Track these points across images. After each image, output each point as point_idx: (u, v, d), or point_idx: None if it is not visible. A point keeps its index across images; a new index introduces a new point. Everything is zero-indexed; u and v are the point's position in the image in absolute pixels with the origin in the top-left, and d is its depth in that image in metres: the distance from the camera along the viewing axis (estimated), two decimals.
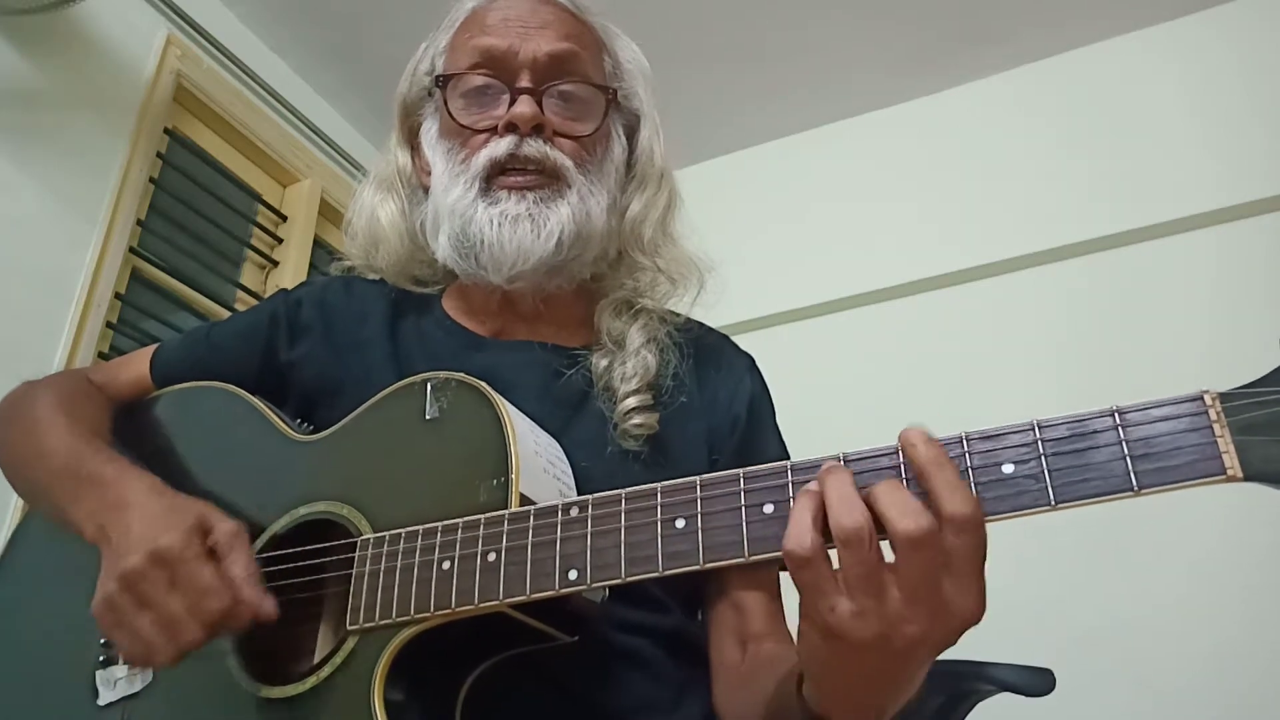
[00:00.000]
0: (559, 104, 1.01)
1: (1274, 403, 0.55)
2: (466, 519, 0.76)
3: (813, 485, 0.61)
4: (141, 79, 2.16)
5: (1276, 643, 1.84)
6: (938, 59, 2.62)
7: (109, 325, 2.00)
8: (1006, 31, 2.52)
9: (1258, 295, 2.10)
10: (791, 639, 0.78)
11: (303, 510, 0.87)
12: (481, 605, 0.73)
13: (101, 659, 0.89)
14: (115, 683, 0.87)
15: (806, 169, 2.79)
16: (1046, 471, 0.59)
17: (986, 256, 2.45)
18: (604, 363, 0.99)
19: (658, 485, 0.69)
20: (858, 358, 2.48)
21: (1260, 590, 1.88)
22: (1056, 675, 1.14)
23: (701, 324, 1.10)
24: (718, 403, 1.02)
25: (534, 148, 0.97)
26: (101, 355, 1.94)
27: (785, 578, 0.64)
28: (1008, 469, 0.60)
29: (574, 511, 0.72)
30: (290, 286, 1.16)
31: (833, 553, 0.59)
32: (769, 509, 0.65)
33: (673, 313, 1.07)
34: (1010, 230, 2.44)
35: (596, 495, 0.72)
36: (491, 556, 0.73)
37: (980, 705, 1.18)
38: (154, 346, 1.12)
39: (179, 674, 0.84)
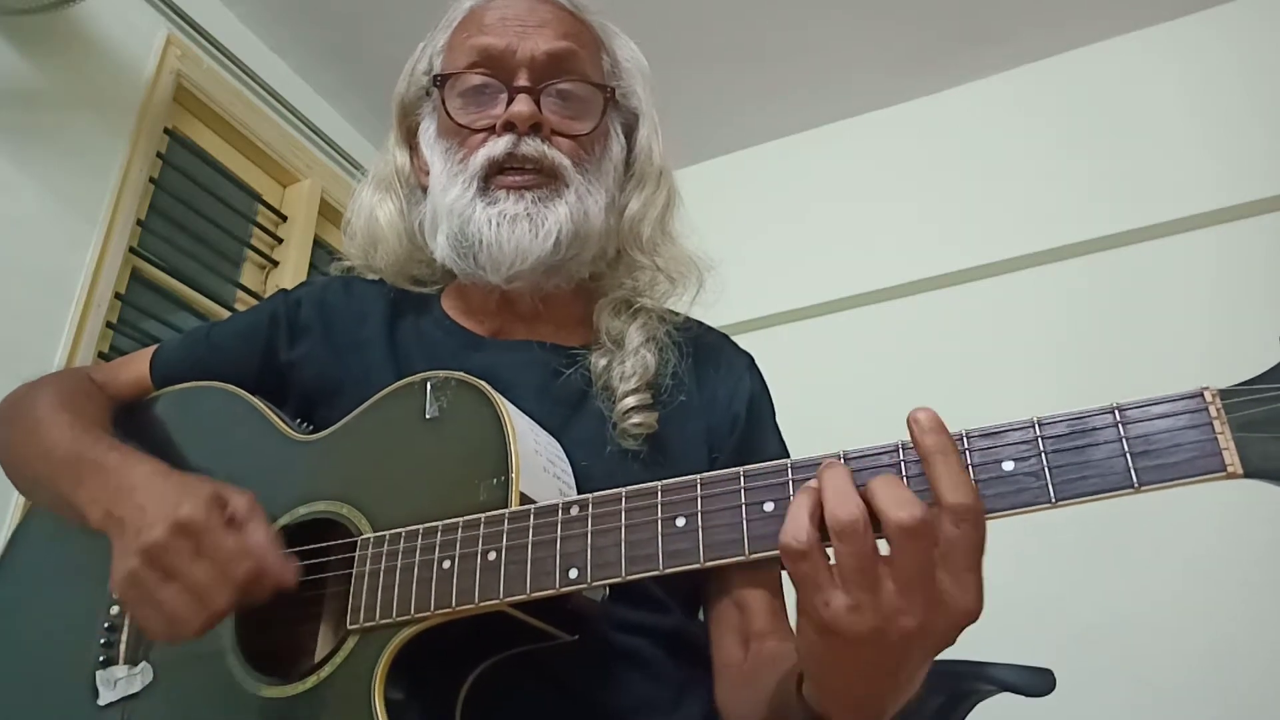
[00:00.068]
0: (557, 103, 1.01)
1: (1274, 399, 0.55)
2: (467, 518, 0.76)
3: (812, 482, 0.61)
4: (141, 79, 2.16)
5: (1276, 640, 1.85)
6: (938, 59, 2.62)
7: (109, 325, 2.00)
8: (1006, 31, 2.53)
9: (1258, 295, 2.10)
10: (794, 637, 0.78)
11: (302, 510, 0.86)
12: (482, 604, 0.73)
13: (101, 659, 0.88)
14: (115, 683, 0.87)
15: (806, 169, 2.79)
16: (1047, 469, 0.59)
17: (986, 256, 2.45)
18: (603, 362, 0.99)
19: (658, 484, 0.69)
20: (858, 358, 2.48)
21: (1260, 587, 1.88)
22: (1056, 674, 1.14)
23: (700, 323, 1.10)
24: (717, 402, 1.02)
25: (532, 147, 0.97)
26: (101, 355, 1.94)
27: (787, 576, 0.64)
28: (1008, 466, 0.60)
29: (574, 510, 0.72)
30: (290, 286, 1.16)
31: (830, 550, 0.59)
32: (769, 507, 0.65)
33: (672, 312, 1.07)
34: (1010, 230, 2.44)
35: (597, 494, 0.72)
36: (492, 555, 0.73)
37: (980, 705, 1.18)
38: (154, 347, 1.12)
39: (179, 674, 0.85)
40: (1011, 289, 2.41)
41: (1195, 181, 2.27)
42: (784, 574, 0.65)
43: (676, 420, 0.98)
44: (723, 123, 2.82)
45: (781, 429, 1.06)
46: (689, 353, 1.03)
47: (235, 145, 2.45)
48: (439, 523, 0.77)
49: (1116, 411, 0.59)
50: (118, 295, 2.02)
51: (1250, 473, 0.55)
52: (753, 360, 1.10)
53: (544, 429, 0.87)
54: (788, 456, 1.01)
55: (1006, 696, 1.15)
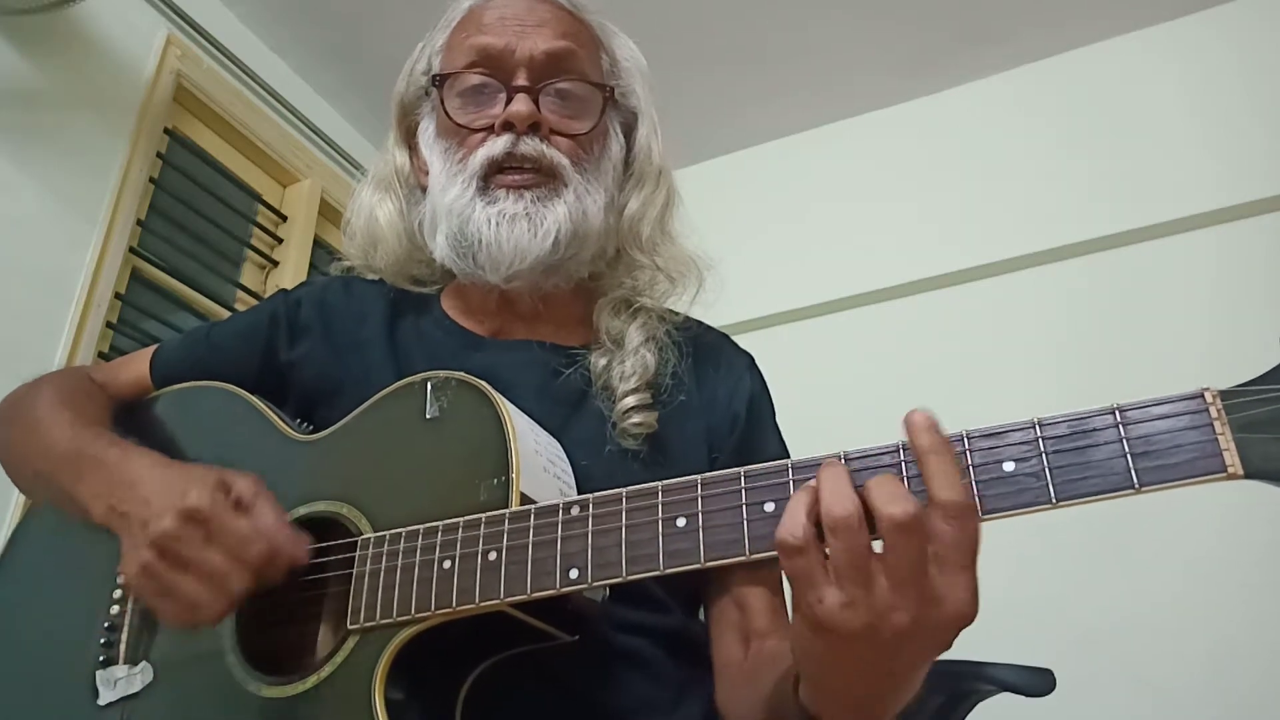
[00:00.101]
0: (556, 102, 1.01)
1: (1274, 400, 0.55)
2: (467, 518, 0.76)
3: (812, 481, 0.61)
4: (141, 79, 2.16)
5: (1276, 641, 1.85)
6: (938, 59, 2.62)
7: (109, 325, 2.00)
8: (1006, 31, 2.53)
9: (1258, 295, 2.10)
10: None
11: (303, 510, 0.86)
12: (483, 604, 0.73)
13: (101, 659, 0.88)
14: (115, 683, 0.87)
15: (806, 169, 2.79)
16: (1047, 469, 0.59)
17: (986, 256, 2.45)
18: (603, 362, 0.99)
19: (658, 484, 0.69)
20: (858, 358, 2.48)
21: (1260, 588, 1.88)
22: (1057, 675, 1.14)
23: (700, 322, 1.10)
24: (717, 401, 1.02)
25: (530, 146, 0.97)
26: (101, 355, 1.94)
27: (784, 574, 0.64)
28: (1009, 467, 0.60)
29: (575, 510, 0.72)
30: (290, 286, 1.16)
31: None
32: (770, 507, 0.65)
33: (671, 311, 1.07)
34: (1010, 230, 2.44)
35: (597, 494, 0.72)
36: (492, 555, 0.73)
37: (980, 705, 1.18)
38: (154, 347, 1.12)
39: (179, 673, 0.85)
40: (1011, 289, 2.41)
41: (1195, 181, 2.27)
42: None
43: (676, 420, 0.98)
44: (723, 123, 2.82)
45: (781, 429, 1.06)
46: (689, 352, 1.03)
47: (235, 145, 2.45)
48: (439, 523, 0.77)
49: (1117, 412, 0.59)
50: (118, 295, 2.02)
51: (1251, 474, 0.55)
52: (753, 360, 1.10)
53: (544, 429, 0.87)
54: (788, 456, 1.01)
55: (1006, 696, 1.15)
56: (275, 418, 0.96)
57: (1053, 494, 0.59)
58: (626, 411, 0.95)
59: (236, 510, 0.79)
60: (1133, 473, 0.57)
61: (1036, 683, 1.14)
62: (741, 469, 0.67)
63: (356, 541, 0.81)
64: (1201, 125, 2.32)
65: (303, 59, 2.63)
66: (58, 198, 1.93)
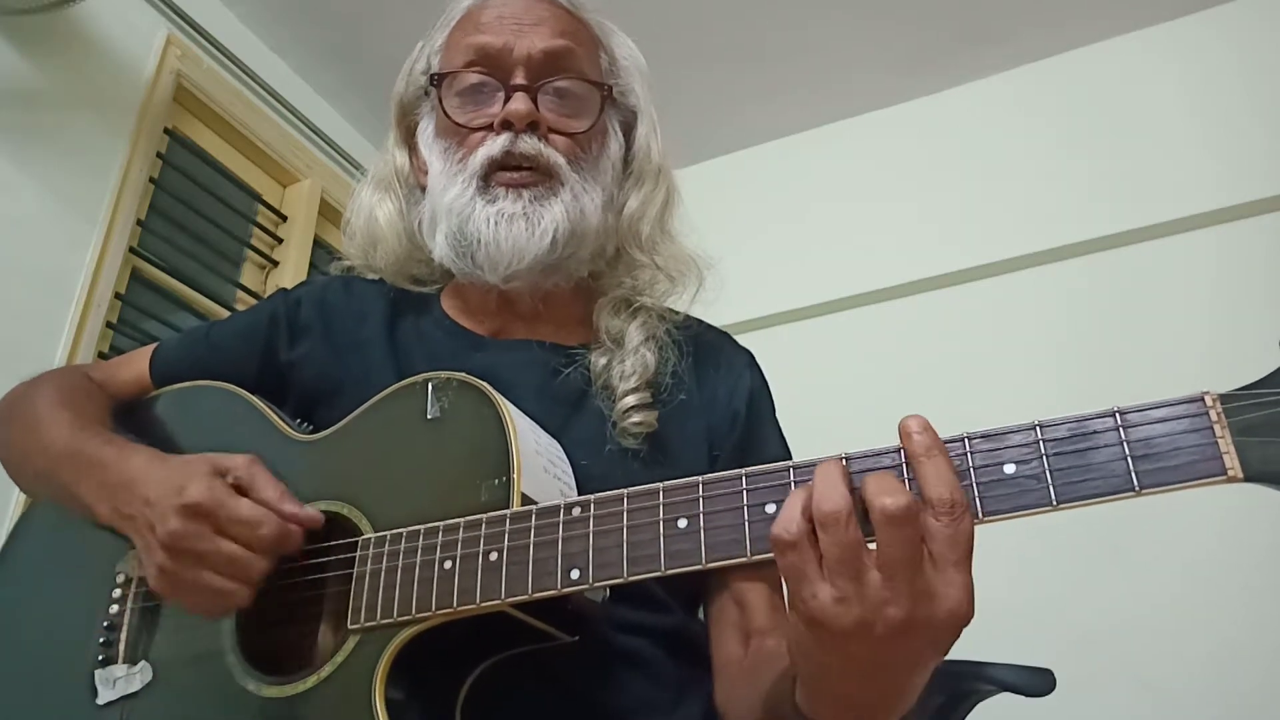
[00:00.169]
0: (554, 101, 1.01)
1: (1274, 404, 0.55)
2: (468, 518, 0.76)
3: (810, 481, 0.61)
4: (141, 79, 2.16)
5: (1276, 643, 1.85)
6: (938, 59, 2.62)
7: (109, 325, 2.00)
8: (1006, 31, 2.53)
9: (1258, 295, 2.11)
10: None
11: None
12: (483, 605, 0.73)
13: (100, 658, 0.88)
14: (114, 682, 0.87)
15: (806, 169, 2.79)
16: (1048, 472, 0.59)
17: (986, 256, 2.45)
18: (603, 361, 0.99)
19: (659, 485, 0.69)
20: (858, 358, 2.48)
21: (1260, 591, 1.88)
22: (1056, 675, 1.14)
23: (700, 321, 1.10)
24: (717, 400, 1.02)
25: (528, 145, 0.97)
26: (101, 355, 1.94)
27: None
28: (1009, 469, 0.60)
29: (576, 511, 0.72)
30: (290, 286, 1.17)
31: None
32: (771, 509, 0.65)
33: (671, 310, 1.07)
34: (1010, 230, 2.44)
35: (598, 495, 0.72)
36: (493, 556, 0.73)
37: (980, 705, 1.18)
38: (153, 346, 1.12)
39: (179, 673, 0.85)
40: (1011, 289, 2.41)
41: (1195, 181, 2.27)
42: None
43: (676, 419, 0.98)
44: (723, 123, 2.82)
45: (782, 429, 1.06)
46: (689, 351, 1.02)
47: (235, 145, 2.45)
48: (440, 523, 0.77)
49: (1117, 415, 0.59)
50: (118, 295, 2.02)
51: (1250, 477, 0.55)
52: (752, 357, 1.10)
53: (544, 429, 0.87)
54: (788, 454, 1.01)
55: (1006, 696, 1.15)
56: (275, 417, 0.96)
57: (1054, 496, 0.59)
58: (627, 411, 0.95)
59: (238, 493, 0.80)
60: (1133, 475, 0.57)
61: (1036, 683, 1.14)
62: (743, 470, 0.67)
63: (357, 541, 0.81)
64: (1201, 125, 2.32)
65: (303, 59, 2.63)
66: (58, 198, 1.93)
